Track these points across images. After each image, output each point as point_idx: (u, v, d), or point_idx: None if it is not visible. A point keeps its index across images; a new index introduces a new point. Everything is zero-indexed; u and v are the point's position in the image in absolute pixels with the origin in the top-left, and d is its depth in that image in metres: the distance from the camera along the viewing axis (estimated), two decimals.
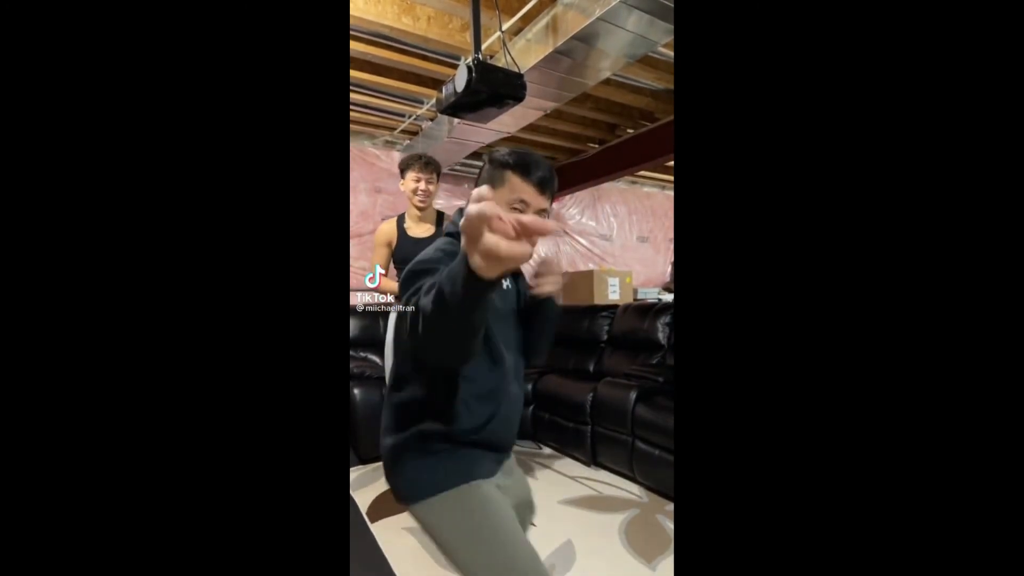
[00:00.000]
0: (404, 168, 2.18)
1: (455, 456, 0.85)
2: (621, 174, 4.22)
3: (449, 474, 0.84)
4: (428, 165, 2.16)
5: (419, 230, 2.23)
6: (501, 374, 0.88)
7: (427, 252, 0.86)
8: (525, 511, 0.97)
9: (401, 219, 2.27)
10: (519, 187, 0.85)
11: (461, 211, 0.93)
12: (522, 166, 0.85)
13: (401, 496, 0.87)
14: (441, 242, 0.90)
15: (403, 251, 2.18)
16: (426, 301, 0.64)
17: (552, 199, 0.89)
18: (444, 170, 4.03)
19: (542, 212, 0.87)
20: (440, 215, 2.31)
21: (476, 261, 0.53)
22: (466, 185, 4.53)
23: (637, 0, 1.79)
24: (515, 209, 0.84)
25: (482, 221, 0.49)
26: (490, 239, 0.49)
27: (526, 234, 0.50)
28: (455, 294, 0.58)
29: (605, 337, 3.42)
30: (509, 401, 0.89)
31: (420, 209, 2.19)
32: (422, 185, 2.14)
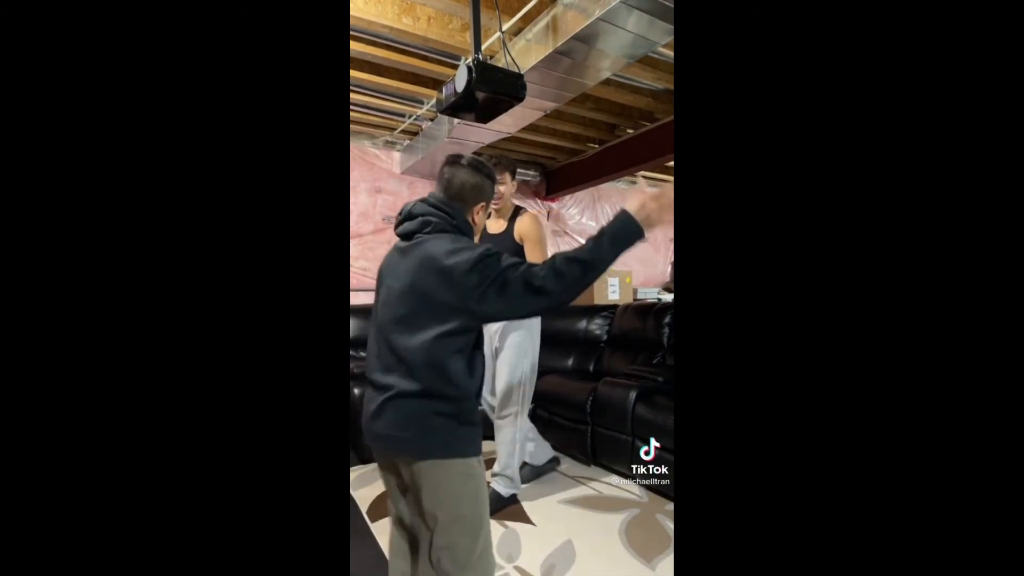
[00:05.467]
0: None
1: (473, 431, 1.06)
2: (621, 174, 4.22)
3: (468, 444, 1.04)
4: (499, 166, 2.26)
5: (494, 226, 2.37)
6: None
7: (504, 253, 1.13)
8: None
9: None
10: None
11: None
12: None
13: (417, 452, 1.01)
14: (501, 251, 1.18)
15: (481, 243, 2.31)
16: (573, 267, 1.04)
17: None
18: None
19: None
20: (516, 210, 2.40)
21: (651, 219, 1.03)
22: None
23: (637, 0, 1.79)
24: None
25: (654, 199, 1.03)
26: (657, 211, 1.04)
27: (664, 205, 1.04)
28: (613, 251, 1.07)
29: (605, 337, 3.42)
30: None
31: (495, 208, 2.32)
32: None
